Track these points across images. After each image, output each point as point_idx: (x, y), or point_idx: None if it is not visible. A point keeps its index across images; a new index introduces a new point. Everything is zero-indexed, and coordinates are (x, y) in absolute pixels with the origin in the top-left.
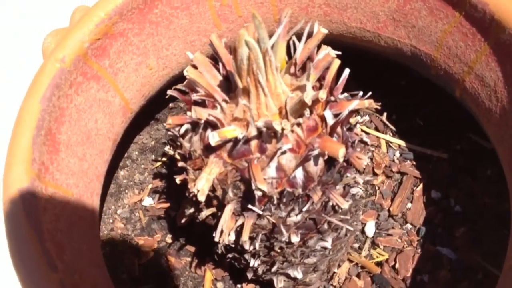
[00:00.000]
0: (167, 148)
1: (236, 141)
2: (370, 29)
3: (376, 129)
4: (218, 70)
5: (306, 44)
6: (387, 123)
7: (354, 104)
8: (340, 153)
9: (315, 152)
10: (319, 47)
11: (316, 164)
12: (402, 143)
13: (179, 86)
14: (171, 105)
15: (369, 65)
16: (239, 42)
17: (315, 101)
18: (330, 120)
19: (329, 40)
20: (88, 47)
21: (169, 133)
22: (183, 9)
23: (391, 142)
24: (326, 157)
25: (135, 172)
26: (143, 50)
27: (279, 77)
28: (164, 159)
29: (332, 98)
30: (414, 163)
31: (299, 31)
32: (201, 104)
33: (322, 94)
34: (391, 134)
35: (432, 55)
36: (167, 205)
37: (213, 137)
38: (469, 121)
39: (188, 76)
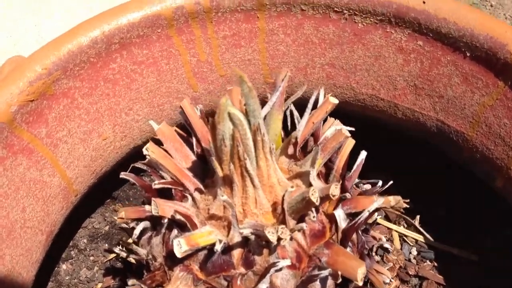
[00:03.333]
0: (118, 249)
1: (212, 249)
2: (385, 97)
3: (387, 218)
4: (191, 146)
5: (311, 118)
6: (408, 218)
7: (377, 203)
8: (359, 274)
9: (324, 273)
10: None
11: (324, 286)
12: (420, 237)
13: (140, 164)
14: None
15: (377, 133)
16: (220, 115)
17: (324, 197)
18: (342, 223)
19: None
20: (16, 112)
21: (123, 225)
22: (150, 65)
23: (406, 236)
24: (339, 280)
25: (81, 266)
26: (95, 115)
27: (274, 162)
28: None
29: (348, 195)
30: (435, 264)
31: (300, 98)
32: (166, 193)
33: (334, 191)
34: (406, 226)
35: (466, 134)
36: None
37: (180, 247)
38: (506, 213)
39: (149, 156)
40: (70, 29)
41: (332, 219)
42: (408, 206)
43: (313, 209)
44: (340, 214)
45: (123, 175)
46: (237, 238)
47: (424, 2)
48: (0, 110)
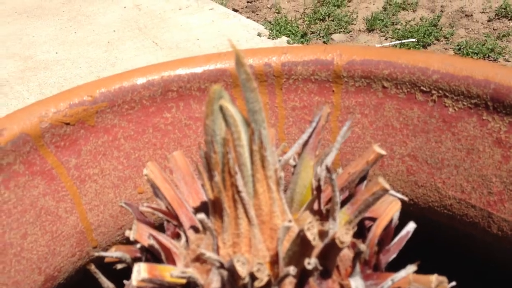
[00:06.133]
0: None
1: None
2: (476, 203)
3: None
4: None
5: (347, 168)
6: None
7: (405, 272)
8: None
9: None
10: None
11: None
12: None
13: (148, 208)
14: None
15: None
16: (209, 105)
17: (328, 245)
18: None
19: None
20: (46, 129)
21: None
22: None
23: None
24: None
25: None
26: (135, 163)
27: (281, 198)
28: None
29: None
30: None
31: None
32: (158, 226)
33: (343, 235)
34: None
35: None
36: None
37: (138, 273)
38: None
39: (147, 176)
40: (129, 70)
41: None
42: None
43: (313, 257)
44: (357, 285)
45: (123, 203)
46: (215, 284)
47: None
48: (28, 121)
